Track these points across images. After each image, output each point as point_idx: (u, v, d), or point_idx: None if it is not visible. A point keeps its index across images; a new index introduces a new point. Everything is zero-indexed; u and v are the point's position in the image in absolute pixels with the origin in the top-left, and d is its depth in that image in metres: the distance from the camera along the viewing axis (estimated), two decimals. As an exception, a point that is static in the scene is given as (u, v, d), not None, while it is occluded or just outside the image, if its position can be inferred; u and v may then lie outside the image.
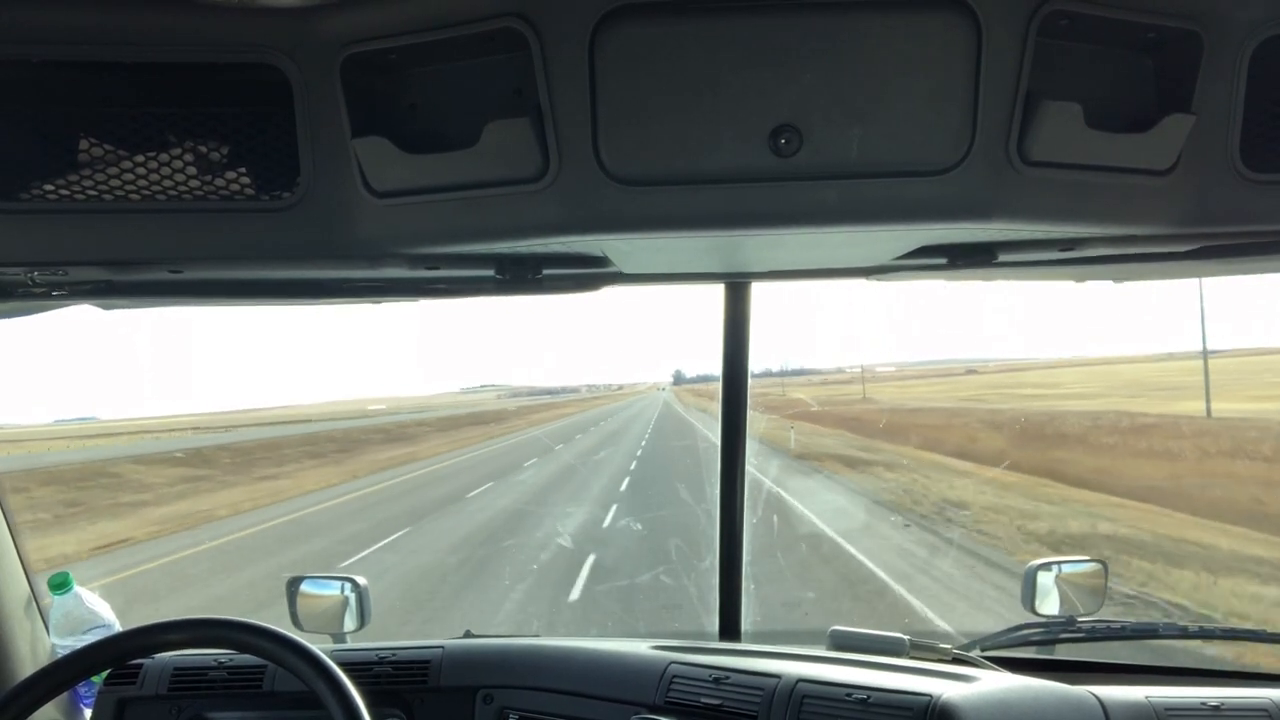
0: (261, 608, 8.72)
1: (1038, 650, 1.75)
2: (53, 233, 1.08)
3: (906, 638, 1.62)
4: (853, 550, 10.33)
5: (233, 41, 0.99)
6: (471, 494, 17.71)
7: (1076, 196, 0.99)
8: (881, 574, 9.23)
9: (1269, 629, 1.74)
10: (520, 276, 1.26)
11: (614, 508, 14.12)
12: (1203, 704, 1.39)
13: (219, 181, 1.07)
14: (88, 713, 1.77)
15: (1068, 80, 0.97)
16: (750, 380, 1.93)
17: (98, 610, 1.78)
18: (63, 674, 1.24)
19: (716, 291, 1.84)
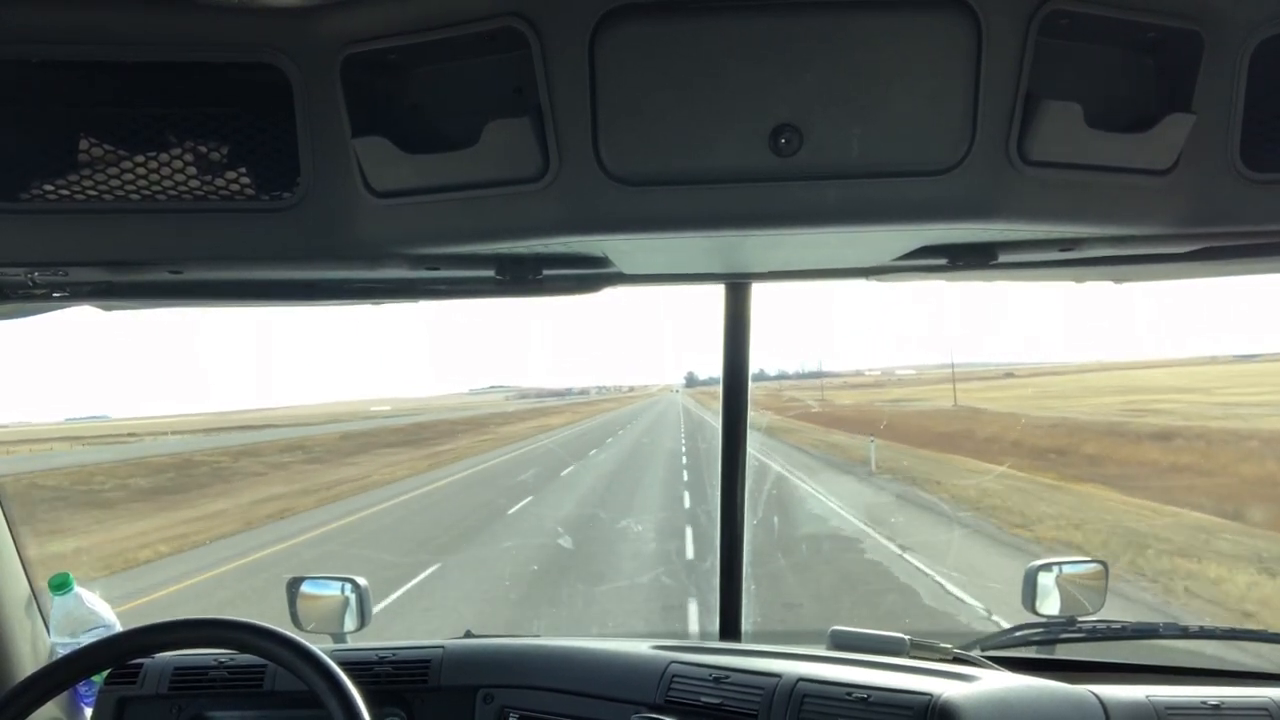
0: None
1: (1038, 650, 1.75)
2: (53, 233, 1.08)
3: (907, 637, 1.62)
4: None
5: (233, 41, 0.99)
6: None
7: (1076, 196, 0.99)
8: None
9: (1269, 629, 1.74)
10: (520, 277, 1.26)
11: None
12: (1203, 703, 1.39)
13: (219, 182, 1.07)
14: (88, 712, 1.77)
15: (1068, 80, 0.97)
16: (751, 382, 1.93)
17: (98, 610, 1.78)
18: (63, 673, 1.24)
19: (721, 293, 1.84)
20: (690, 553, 10.01)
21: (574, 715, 1.61)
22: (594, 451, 23.35)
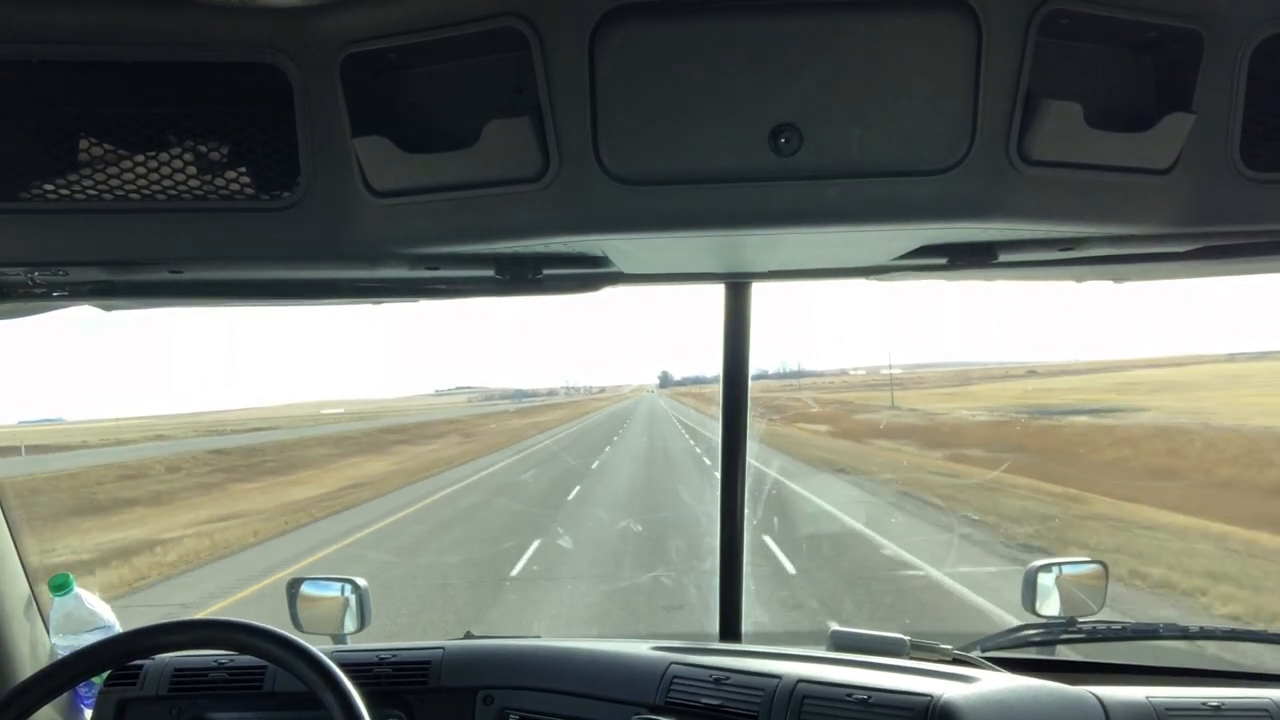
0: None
1: (1038, 651, 1.75)
2: (53, 233, 1.08)
3: (907, 638, 1.62)
4: None
5: (233, 41, 1.00)
6: None
7: (1077, 196, 0.99)
8: None
9: (1269, 629, 1.74)
10: (520, 276, 1.26)
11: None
12: (1203, 704, 1.38)
13: (219, 181, 1.08)
14: (88, 713, 1.77)
15: (1068, 80, 0.97)
16: (751, 382, 1.94)
17: (98, 611, 1.78)
18: (63, 675, 1.24)
19: (709, 292, 1.83)
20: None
21: (574, 716, 1.61)
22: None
